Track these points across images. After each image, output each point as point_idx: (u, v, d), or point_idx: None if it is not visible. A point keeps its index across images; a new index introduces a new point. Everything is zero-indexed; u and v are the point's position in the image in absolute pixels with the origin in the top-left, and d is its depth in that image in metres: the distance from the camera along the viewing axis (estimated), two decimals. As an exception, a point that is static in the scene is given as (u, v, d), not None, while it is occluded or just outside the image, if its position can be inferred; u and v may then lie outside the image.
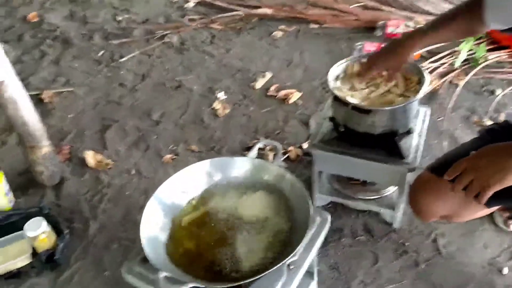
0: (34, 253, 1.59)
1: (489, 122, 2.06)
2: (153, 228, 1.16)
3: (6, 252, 1.59)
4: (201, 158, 2.00)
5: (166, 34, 2.95)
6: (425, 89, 1.43)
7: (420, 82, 1.47)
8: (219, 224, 1.17)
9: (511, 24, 1.26)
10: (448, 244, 1.58)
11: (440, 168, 1.30)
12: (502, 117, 2.08)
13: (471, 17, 1.26)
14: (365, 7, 2.90)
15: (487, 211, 1.39)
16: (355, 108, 1.40)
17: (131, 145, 2.15)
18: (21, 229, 1.60)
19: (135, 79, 2.60)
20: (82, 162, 2.04)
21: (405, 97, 1.46)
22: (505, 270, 1.48)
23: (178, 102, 2.40)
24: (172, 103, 2.39)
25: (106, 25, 3.12)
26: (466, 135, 2.01)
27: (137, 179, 1.96)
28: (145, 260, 1.14)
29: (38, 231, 1.56)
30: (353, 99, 1.44)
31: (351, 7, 2.86)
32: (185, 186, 1.24)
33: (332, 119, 1.58)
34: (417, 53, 2.44)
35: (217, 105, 2.32)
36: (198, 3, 3.28)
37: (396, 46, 1.39)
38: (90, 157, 2.05)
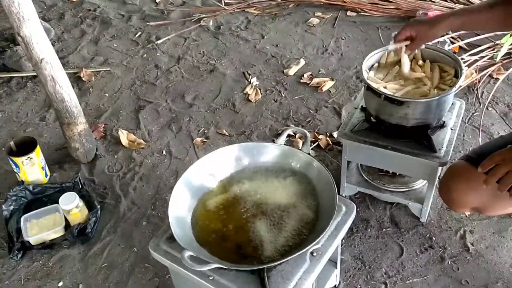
0: (67, 226, 1.66)
1: (528, 119, 1.99)
2: (181, 208, 1.18)
3: (41, 224, 1.66)
4: (231, 142, 2.04)
5: (203, 18, 2.97)
6: (461, 82, 1.39)
7: (457, 75, 1.44)
8: (245, 208, 1.19)
9: None
10: (477, 241, 1.55)
11: (475, 158, 1.28)
12: (542, 115, 2.01)
13: (509, 8, 1.22)
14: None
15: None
16: (388, 98, 1.38)
17: (163, 126, 2.19)
18: (56, 202, 1.67)
19: (170, 61, 2.63)
20: (116, 141, 2.10)
21: (440, 89, 1.43)
22: (535, 272, 1.45)
23: (211, 85, 2.42)
24: (205, 86, 2.41)
25: (144, 7, 3.16)
26: (503, 132, 1.95)
27: (168, 160, 2.00)
28: (171, 238, 1.17)
29: (72, 205, 1.62)
30: (386, 90, 1.42)
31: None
32: (213, 168, 1.26)
33: (364, 109, 1.57)
34: (456, 45, 2.38)
35: (249, 90, 2.33)
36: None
37: (433, 17, 1.36)
38: (124, 136, 2.10)
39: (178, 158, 2.01)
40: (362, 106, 1.58)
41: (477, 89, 2.17)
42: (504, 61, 2.30)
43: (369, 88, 1.42)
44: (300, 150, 1.26)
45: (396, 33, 1.41)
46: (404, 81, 1.49)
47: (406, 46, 1.40)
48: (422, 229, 1.60)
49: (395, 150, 1.45)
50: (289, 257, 1.04)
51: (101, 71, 2.57)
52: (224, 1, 3.13)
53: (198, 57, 2.65)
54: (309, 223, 1.14)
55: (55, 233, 1.63)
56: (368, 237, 1.60)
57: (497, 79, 2.22)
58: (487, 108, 2.08)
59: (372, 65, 1.55)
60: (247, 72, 2.46)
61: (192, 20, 2.97)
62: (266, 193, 1.21)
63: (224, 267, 1.03)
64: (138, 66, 2.60)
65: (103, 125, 2.19)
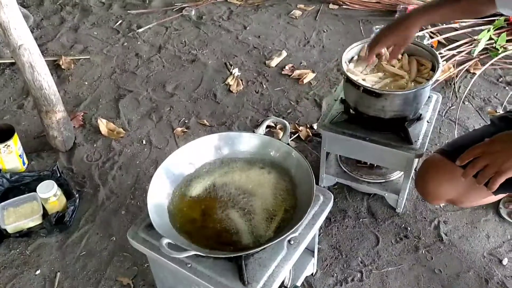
0: (45, 215, 1.64)
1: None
2: (160, 196, 1.19)
3: (18, 212, 1.65)
4: (212, 133, 2.00)
5: (185, 7, 2.95)
6: (438, 76, 1.42)
7: (434, 68, 1.47)
8: (223, 196, 1.20)
9: None
10: (451, 231, 1.59)
11: (450, 152, 1.31)
12: (516, 109, 2.06)
13: None
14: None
15: (493, 198, 1.40)
16: (367, 91, 1.40)
17: (144, 115, 2.18)
18: (34, 190, 1.65)
19: (151, 50, 2.62)
20: (96, 129, 2.08)
21: (418, 82, 1.46)
22: (505, 261, 1.49)
23: (193, 75, 2.41)
24: (186, 76, 2.41)
25: (125, -6, 3.13)
26: (479, 125, 2.00)
27: (148, 149, 1.99)
28: (150, 226, 1.18)
29: (49, 193, 1.61)
30: (365, 82, 1.44)
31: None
32: (193, 158, 1.26)
33: (343, 101, 1.59)
34: (434, 40, 2.41)
35: (231, 80, 2.33)
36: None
37: (401, 20, 1.39)
38: (103, 124, 2.09)
39: (158, 148, 2.00)
40: (341, 98, 1.60)
41: (454, 83, 2.21)
42: (481, 56, 2.34)
43: (348, 80, 1.44)
44: (280, 140, 1.27)
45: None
46: (382, 74, 1.52)
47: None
48: (398, 219, 1.64)
49: (373, 142, 1.47)
50: (267, 245, 1.06)
51: (80, 59, 2.54)
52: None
53: (180, 46, 2.63)
54: (287, 212, 1.16)
55: (33, 221, 1.62)
56: (345, 227, 1.62)
57: (474, 74, 2.26)
58: (463, 102, 2.12)
59: (352, 58, 1.57)
60: (229, 62, 2.46)
61: (174, 9, 2.95)
62: (244, 182, 1.23)
63: (202, 254, 1.04)
64: (118, 55, 2.58)
65: (82, 114, 2.17)
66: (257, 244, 1.09)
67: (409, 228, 1.61)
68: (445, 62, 2.27)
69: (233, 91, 2.28)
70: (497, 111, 2.07)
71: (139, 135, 2.07)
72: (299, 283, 1.39)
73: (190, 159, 1.26)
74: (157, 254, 1.13)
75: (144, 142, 2.03)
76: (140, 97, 2.28)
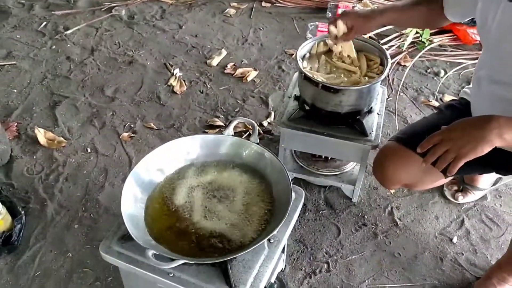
0: (-10, 236, 1.51)
1: (435, 102, 2.19)
2: (133, 206, 1.14)
3: (-43, 236, 1.50)
4: (160, 136, 1.99)
5: (114, 7, 2.84)
6: (388, 69, 1.50)
7: (382, 63, 1.55)
8: (201, 201, 1.18)
9: (467, 16, 1.35)
10: (404, 216, 1.69)
11: (404, 138, 1.39)
12: (446, 97, 2.22)
13: (432, 7, 1.34)
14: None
15: (443, 181, 1.50)
16: (324, 87, 1.44)
17: (84, 122, 2.07)
18: (-26, 210, 1.51)
19: (83, 52, 2.49)
20: (33, 140, 1.95)
21: (369, 77, 1.53)
22: (455, 239, 1.62)
23: (132, 78, 2.33)
24: (125, 78, 2.32)
25: (47, -5, 2.94)
26: (415, 114, 2.14)
27: (95, 157, 1.90)
28: (123, 238, 1.14)
29: (-6, 212, 1.49)
30: (323, 79, 1.48)
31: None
32: (163, 163, 1.23)
33: (298, 98, 1.62)
34: (367, 35, 2.53)
35: (173, 81, 2.29)
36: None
37: (367, 13, 1.42)
38: (41, 134, 1.96)
39: (105, 155, 1.92)
40: (295, 95, 1.63)
41: (388, 76, 2.34)
42: (410, 50, 2.50)
43: (305, 77, 1.47)
44: (249, 140, 1.27)
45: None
46: (334, 70, 1.57)
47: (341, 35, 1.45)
48: (355, 209, 1.71)
49: (331, 136, 1.52)
50: (252, 247, 1.06)
51: (5, 65, 2.35)
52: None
53: (114, 48, 2.53)
54: (266, 212, 1.16)
55: (-23, 245, 1.48)
56: (307, 220, 1.67)
57: (404, 66, 2.41)
58: (398, 94, 2.26)
59: (304, 55, 1.60)
60: (169, 63, 2.41)
61: (103, 9, 2.82)
62: (220, 185, 1.21)
63: (190, 262, 1.02)
64: (47, 59, 2.42)
65: (15, 124, 2.02)
66: (241, 246, 1.09)
67: (366, 216, 1.69)
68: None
69: (177, 92, 2.24)
70: (429, 100, 2.22)
71: (82, 143, 1.96)
72: (272, 280, 1.41)
73: (161, 165, 1.22)
74: (136, 267, 1.09)
75: (89, 150, 1.93)
76: (78, 102, 2.16)
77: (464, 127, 1.07)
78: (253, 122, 1.30)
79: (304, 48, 1.59)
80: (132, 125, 2.05)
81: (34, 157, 1.88)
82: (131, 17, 2.78)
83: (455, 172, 1.08)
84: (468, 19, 1.41)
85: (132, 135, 2.01)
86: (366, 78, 1.51)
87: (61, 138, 1.97)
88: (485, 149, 1.02)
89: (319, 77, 1.47)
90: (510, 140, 1.02)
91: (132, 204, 1.14)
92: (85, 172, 1.83)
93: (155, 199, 1.18)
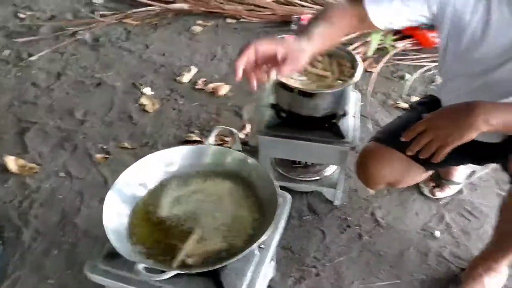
0: (-37, 269, 1.44)
1: (403, 105, 2.25)
2: (115, 221, 1.11)
3: None
4: (135, 155, 1.96)
5: (77, 31, 2.81)
6: (360, 72, 1.53)
7: (353, 66, 1.58)
8: (187, 212, 1.16)
9: (396, 25, 1.26)
10: (385, 215, 1.72)
11: (383, 138, 1.42)
12: (413, 99, 2.28)
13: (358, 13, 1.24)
14: (280, 2, 2.99)
15: (424, 176, 1.53)
16: (300, 92, 1.46)
17: (55, 146, 2.02)
18: None
19: (49, 78, 2.44)
20: (3, 168, 1.88)
21: (342, 81, 1.56)
22: (437, 234, 1.65)
23: (102, 99, 2.30)
24: (95, 101, 2.28)
25: (7, 23, 2.89)
26: (386, 118, 2.18)
27: (69, 181, 1.85)
28: (109, 256, 1.10)
29: (-32, 244, 1.42)
30: (298, 84, 1.50)
31: (267, 1, 2.94)
32: (144, 176, 1.20)
33: (273, 106, 1.63)
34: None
35: (144, 100, 2.26)
36: (108, -1, 3.16)
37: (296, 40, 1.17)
38: (11, 162, 1.89)
39: (79, 178, 1.87)
40: (271, 103, 1.64)
41: (357, 82, 2.39)
42: (375, 56, 2.57)
43: (281, 84, 1.49)
44: (231, 148, 1.27)
45: (279, 37, 1.31)
46: (306, 76, 1.59)
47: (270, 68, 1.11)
48: (338, 212, 1.72)
49: (309, 140, 1.53)
50: (243, 254, 1.04)
51: (-32, 94, 2.28)
52: (99, 14, 2.99)
53: (80, 71, 2.49)
54: (254, 218, 1.15)
55: (-50, 279, 1.41)
56: (292, 227, 1.66)
57: (371, 72, 2.47)
58: (369, 98, 2.30)
59: (277, 63, 1.62)
60: (138, 83, 2.39)
61: (66, 34, 2.79)
62: (204, 195, 1.20)
63: (183, 272, 0.99)
64: (13, 86, 2.37)
65: (-17, 153, 1.95)
66: (231, 254, 1.07)
67: (349, 218, 1.70)
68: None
69: (149, 111, 2.21)
70: (398, 102, 2.28)
71: (54, 168, 1.91)
72: (263, 288, 1.39)
73: (142, 179, 1.20)
74: (125, 284, 1.06)
75: (62, 174, 1.88)
76: (47, 127, 2.11)
77: (448, 115, 1.08)
78: (234, 130, 1.30)
79: (276, 57, 1.60)
80: (105, 147, 2.02)
81: (6, 185, 1.82)
82: (96, 40, 2.76)
83: (440, 159, 1.08)
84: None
85: (106, 156, 1.97)
86: (339, 81, 1.54)
87: (33, 164, 1.91)
88: (472, 135, 1.03)
89: (294, 83, 1.49)
90: (497, 124, 1.03)
91: (115, 219, 1.11)
92: (60, 196, 1.78)
93: (139, 213, 1.15)
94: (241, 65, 1.04)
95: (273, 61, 1.07)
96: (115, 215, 1.12)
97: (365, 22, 1.24)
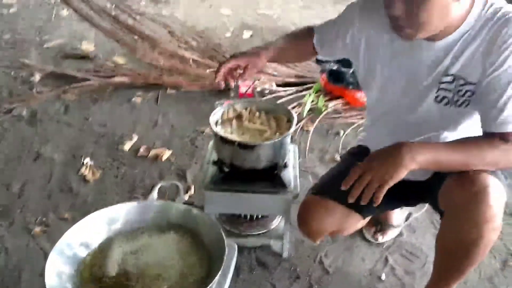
0: None
1: (340, 158, 2.37)
2: (58, 284, 1.07)
3: None
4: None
5: (13, 108, 2.77)
6: (295, 125, 1.62)
7: (290, 120, 1.67)
8: (131, 268, 1.14)
9: (336, 55, 1.55)
10: (333, 262, 1.74)
11: (321, 190, 1.48)
12: (349, 153, 2.41)
13: (307, 43, 1.52)
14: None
15: (364, 222, 1.59)
16: (240, 145, 1.52)
17: (-10, 222, 1.92)
18: None
19: (-17, 154, 2.36)
20: None
21: (280, 133, 1.64)
22: (383, 276, 1.69)
23: (40, 172, 2.24)
24: (33, 174, 2.22)
25: None
26: (324, 170, 2.24)
27: (5, 258, 1.75)
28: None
29: None
30: (238, 138, 1.56)
31: (207, 72, 3.06)
32: (87, 236, 1.18)
33: (216, 162, 1.67)
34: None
35: (85, 171, 2.24)
36: (45, 76, 3.17)
37: (254, 51, 1.49)
38: None
39: (17, 253, 1.77)
40: (213, 160, 1.69)
41: (295, 140, 2.51)
42: (310, 116, 2.72)
43: (222, 139, 1.54)
44: (174, 202, 1.28)
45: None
46: (247, 131, 1.66)
47: (238, 75, 1.50)
48: (287, 264, 1.73)
49: (253, 192, 1.58)
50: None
51: None
52: (36, 90, 2.99)
53: (17, 146, 2.44)
54: (202, 267, 1.15)
55: None
56: (242, 281, 1.65)
57: (308, 130, 2.59)
58: (307, 155, 2.41)
59: (217, 121, 1.69)
60: (79, 155, 2.37)
61: (1, 112, 2.74)
62: (150, 250, 1.19)
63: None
64: None
65: None
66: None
67: (298, 269, 1.71)
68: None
69: (90, 181, 2.18)
70: (335, 157, 2.40)
71: (-11, 245, 1.81)
72: None
73: (85, 238, 1.18)
74: None
75: (-3, 251, 1.78)
76: (-20, 204, 2.02)
77: (379, 156, 1.15)
78: (177, 183, 1.32)
79: (215, 115, 1.67)
80: (44, 219, 1.94)
81: None
82: (33, 116, 2.73)
83: (380, 201, 1.13)
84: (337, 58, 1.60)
85: (45, 228, 1.89)
86: (277, 134, 1.62)
87: (-36, 244, 1.80)
88: (403, 172, 1.10)
89: (235, 138, 1.55)
90: (423, 161, 1.11)
91: (57, 281, 1.07)
92: (-5, 274, 1.67)
93: (84, 273, 1.12)
94: (222, 72, 1.46)
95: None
96: (57, 280, 1.08)
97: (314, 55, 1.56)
